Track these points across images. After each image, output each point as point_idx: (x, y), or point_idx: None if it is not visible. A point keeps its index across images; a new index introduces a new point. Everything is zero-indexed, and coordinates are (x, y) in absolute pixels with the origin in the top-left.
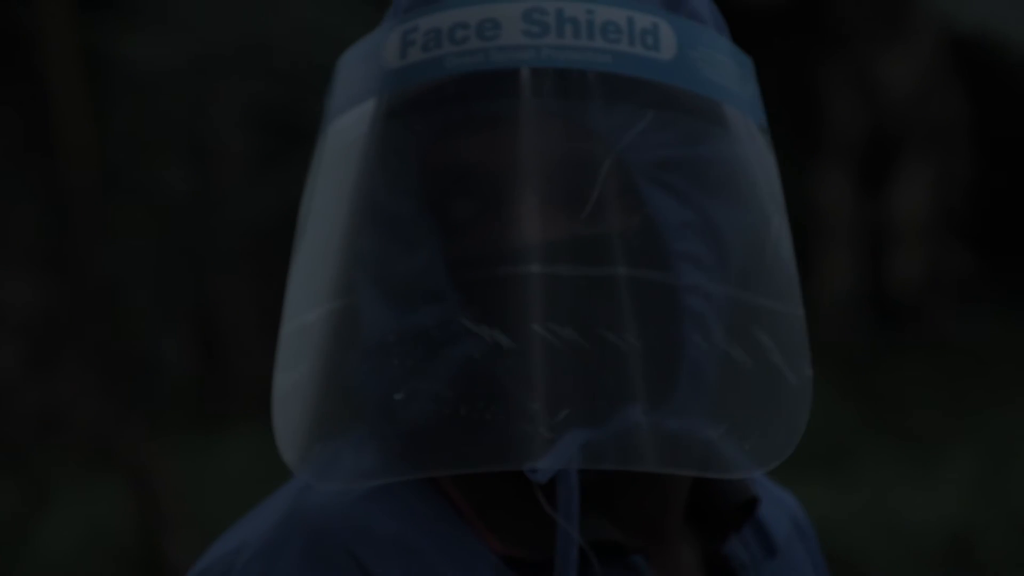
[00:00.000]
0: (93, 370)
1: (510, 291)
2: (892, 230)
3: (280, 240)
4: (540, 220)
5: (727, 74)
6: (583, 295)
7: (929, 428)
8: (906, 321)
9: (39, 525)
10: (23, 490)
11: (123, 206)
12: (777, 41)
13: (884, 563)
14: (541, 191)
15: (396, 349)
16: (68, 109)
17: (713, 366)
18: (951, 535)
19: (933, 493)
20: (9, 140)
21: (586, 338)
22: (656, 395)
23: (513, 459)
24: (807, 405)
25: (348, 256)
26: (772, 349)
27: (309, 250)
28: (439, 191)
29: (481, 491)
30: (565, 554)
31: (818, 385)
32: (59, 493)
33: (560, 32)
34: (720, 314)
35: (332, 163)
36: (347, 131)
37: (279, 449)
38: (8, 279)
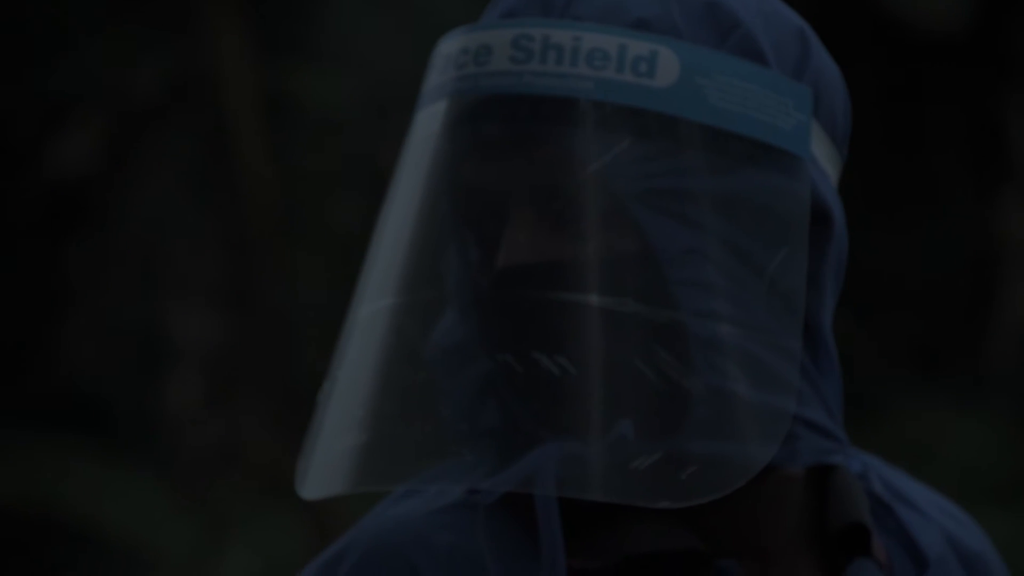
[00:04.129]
0: (271, 405)
1: (480, 313)
2: None
3: None
4: (507, 243)
5: (749, 102)
6: (535, 318)
7: None
8: None
9: (220, 559)
10: (204, 524)
11: (301, 243)
12: (958, 72)
13: None
14: (513, 215)
15: (369, 362)
16: (248, 148)
17: (672, 393)
18: None
19: None
20: (190, 179)
21: (532, 362)
22: (599, 425)
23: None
24: (775, 438)
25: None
26: (739, 378)
27: (370, 252)
28: (446, 211)
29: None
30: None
31: (994, 418)
32: (239, 527)
33: (543, 59)
34: (694, 341)
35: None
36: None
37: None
38: (188, 315)
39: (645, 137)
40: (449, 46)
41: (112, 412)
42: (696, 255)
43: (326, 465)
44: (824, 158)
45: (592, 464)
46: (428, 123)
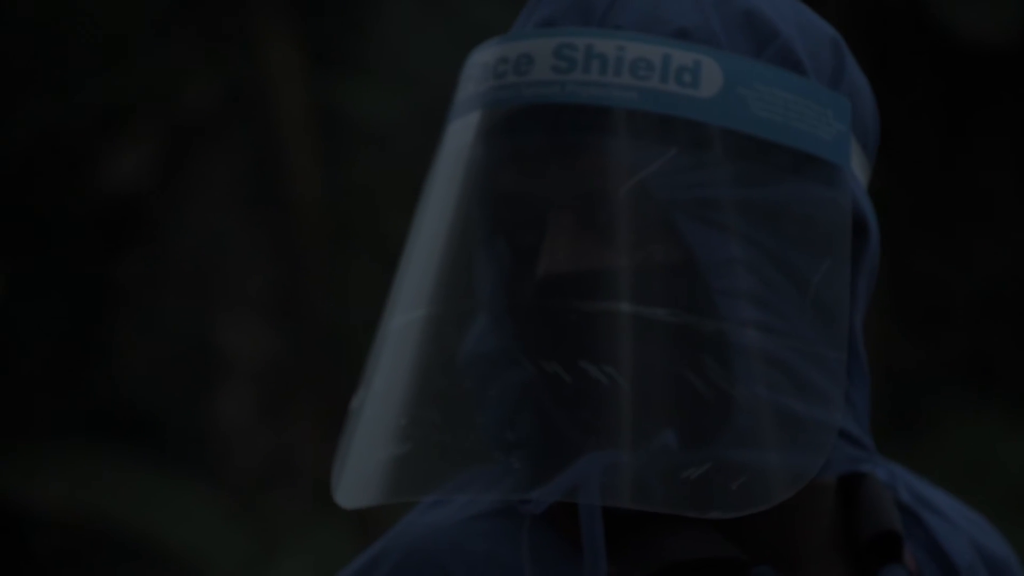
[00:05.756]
0: (323, 416)
1: (521, 322)
2: None
3: None
4: (550, 252)
5: (791, 112)
6: (580, 328)
7: None
8: None
9: (271, 571)
10: (255, 536)
11: (353, 255)
12: (1010, 86)
13: None
14: (555, 223)
15: (406, 373)
16: (299, 161)
17: (718, 403)
18: None
19: None
20: (242, 191)
21: (587, 373)
22: (648, 434)
23: (508, 491)
24: (821, 448)
25: (414, 273)
26: (785, 389)
27: (403, 262)
28: (482, 220)
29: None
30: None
31: None
32: (288, 541)
33: (587, 68)
34: (739, 352)
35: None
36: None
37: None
38: (240, 327)
39: (689, 147)
40: (485, 55)
41: (164, 423)
42: (740, 265)
43: (364, 474)
44: (859, 168)
45: (643, 474)
46: (466, 133)
